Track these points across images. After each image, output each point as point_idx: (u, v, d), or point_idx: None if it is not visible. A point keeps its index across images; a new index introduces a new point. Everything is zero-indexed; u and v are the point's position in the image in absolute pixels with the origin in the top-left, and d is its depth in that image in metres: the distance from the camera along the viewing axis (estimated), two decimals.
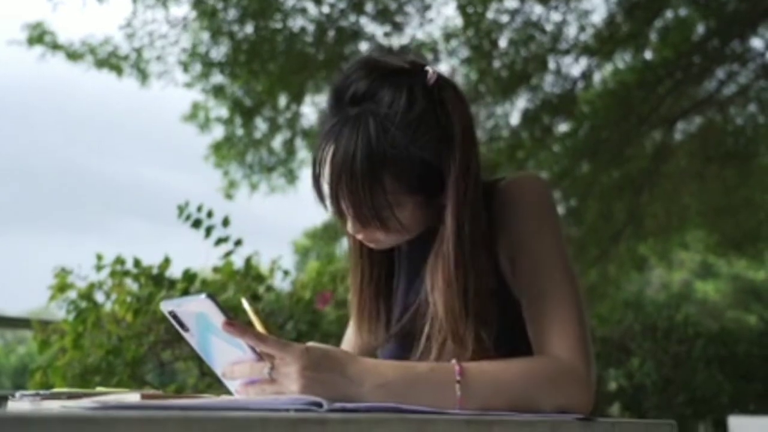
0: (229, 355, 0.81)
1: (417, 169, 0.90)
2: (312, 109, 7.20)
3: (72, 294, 2.45)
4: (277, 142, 7.29)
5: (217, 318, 0.77)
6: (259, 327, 0.89)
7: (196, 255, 2.66)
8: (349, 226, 0.95)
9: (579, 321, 0.90)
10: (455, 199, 0.91)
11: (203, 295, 0.76)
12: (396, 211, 0.91)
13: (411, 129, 0.88)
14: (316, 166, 0.93)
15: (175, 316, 0.81)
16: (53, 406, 0.76)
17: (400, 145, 0.87)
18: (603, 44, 6.77)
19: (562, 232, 0.99)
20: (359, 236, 0.97)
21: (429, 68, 0.94)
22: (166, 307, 0.81)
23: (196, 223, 2.54)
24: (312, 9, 5.95)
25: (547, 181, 1.02)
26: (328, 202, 0.93)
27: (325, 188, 0.92)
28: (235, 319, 0.77)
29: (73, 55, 5.91)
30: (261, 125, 7.12)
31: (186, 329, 0.82)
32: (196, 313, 0.79)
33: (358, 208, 0.89)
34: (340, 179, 0.88)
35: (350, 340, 1.20)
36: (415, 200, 0.92)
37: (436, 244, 0.93)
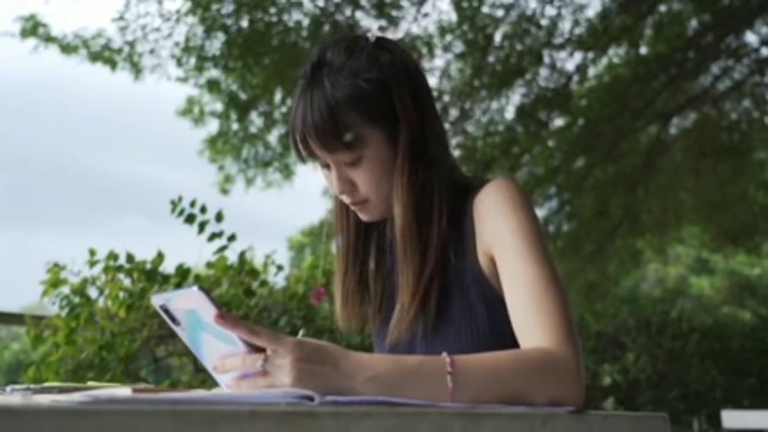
0: (219, 350, 0.81)
1: (369, 100, 1.01)
2: None
3: (65, 289, 2.43)
4: (273, 136, 7.28)
5: (209, 311, 0.76)
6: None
7: (189, 250, 2.65)
8: (333, 182, 1.05)
9: (564, 312, 0.91)
10: (408, 125, 1.03)
11: (195, 288, 0.76)
12: (361, 138, 1.01)
13: (354, 69, 1.01)
14: (290, 126, 1.05)
15: (166, 310, 0.81)
16: (44, 400, 0.76)
17: (345, 84, 1.00)
18: (597, 39, 6.77)
19: (539, 227, 1.00)
20: (338, 189, 1.05)
21: (370, 33, 1.08)
22: (156, 301, 0.81)
23: (190, 219, 2.53)
24: (307, 3, 5.93)
25: (520, 182, 1.07)
26: (303, 152, 1.04)
27: (302, 148, 1.04)
28: (227, 313, 0.77)
29: (67, 48, 5.89)
30: (256, 120, 7.10)
31: (177, 323, 0.82)
32: (188, 310, 0.79)
33: (326, 139, 1.00)
34: (305, 124, 1.01)
35: None
36: (377, 133, 1.02)
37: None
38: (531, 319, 0.91)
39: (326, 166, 1.06)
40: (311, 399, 0.66)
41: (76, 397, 0.63)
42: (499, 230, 0.99)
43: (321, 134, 1.00)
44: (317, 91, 1.01)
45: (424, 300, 1.01)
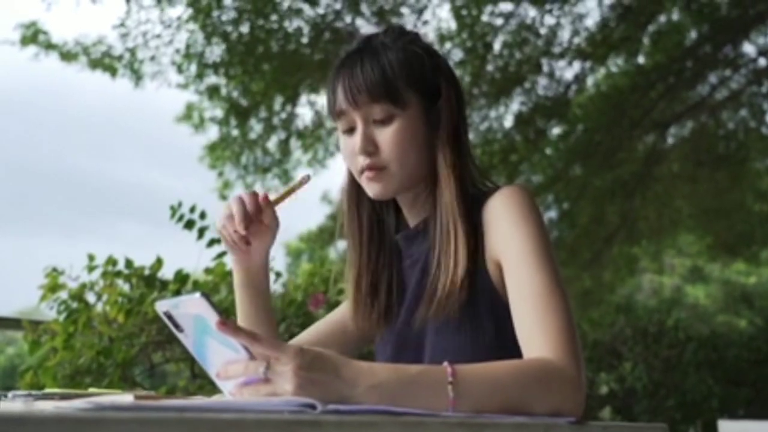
0: (224, 356, 0.81)
1: (419, 65, 1.04)
2: (307, 109, 7.19)
3: (63, 294, 2.43)
4: (272, 142, 7.29)
5: (212, 318, 0.76)
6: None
7: (188, 256, 2.65)
8: (357, 140, 1.03)
9: (568, 323, 0.91)
10: (449, 107, 1.05)
11: (198, 294, 0.76)
12: (402, 97, 1.02)
13: (407, 41, 1.06)
14: (330, 80, 1.06)
15: (170, 317, 0.81)
16: (46, 407, 0.76)
17: (399, 48, 1.04)
18: (596, 48, 6.80)
19: (548, 236, 1.00)
20: (360, 147, 1.03)
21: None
22: (161, 307, 0.81)
23: (189, 224, 2.53)
24: (308, 10, 5.95)
25: (531, 190, 1.05)
26: (340, 99, 1.04)
27: (340, 98, 1.03)
28: (228, 320, 0.77)
29: (67, 55, 5.90)
30: (256, 126, 7.11)
31: (181, 330, 0.82)
32: (194, 315, 0.79)
33: (370, 83, 1.01)
34: (353, 75, 1.02)
35: (335, 319, 1.23)
36: (416, 101, 1.04)
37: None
38: (534, 329, 0.91)
39: (350, 130, 1.05)
40: (313, 407, 0.66)
41: (78, 404, 0.63)
42: (506, 238, 0.99)
43: (367, 79, 1.01)
44: (368, 53, 1.04)
45: (458, 294, 1.00)
